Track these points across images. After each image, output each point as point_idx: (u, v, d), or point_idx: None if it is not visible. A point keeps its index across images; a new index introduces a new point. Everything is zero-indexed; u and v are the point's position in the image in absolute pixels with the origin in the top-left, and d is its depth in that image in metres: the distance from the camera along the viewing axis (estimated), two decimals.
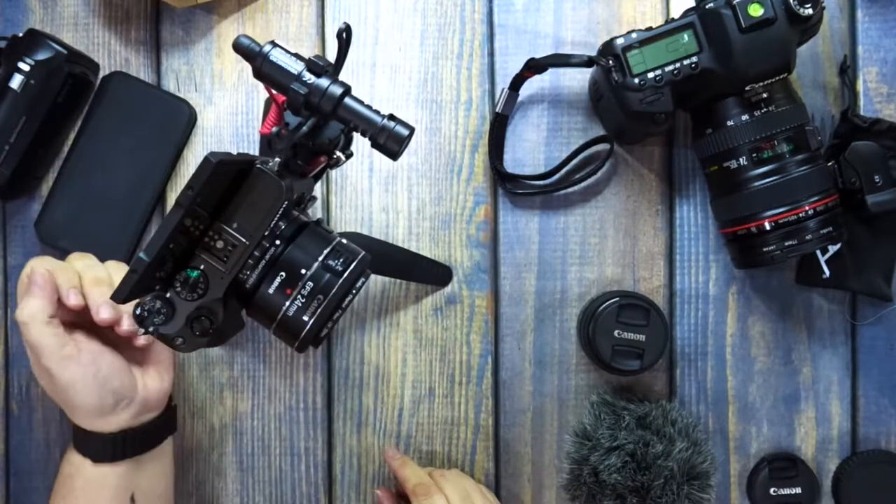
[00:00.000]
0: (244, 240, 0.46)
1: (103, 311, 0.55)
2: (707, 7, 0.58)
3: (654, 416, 0.62)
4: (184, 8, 0.68)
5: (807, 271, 0.66)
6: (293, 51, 0.48)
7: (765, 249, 0.60)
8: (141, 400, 0.58)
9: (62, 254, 0.67)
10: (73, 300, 0.54)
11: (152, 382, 0.59)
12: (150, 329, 0.46)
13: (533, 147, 0.68)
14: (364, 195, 0.68)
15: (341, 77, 0.49)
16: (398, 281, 0.68)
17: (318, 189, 0.67)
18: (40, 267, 0.55)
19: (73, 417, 0.57)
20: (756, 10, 0.56)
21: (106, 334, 0.57)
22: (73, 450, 0.58)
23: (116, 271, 0.58)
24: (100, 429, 0.57)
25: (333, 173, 0.68)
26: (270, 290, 0.48)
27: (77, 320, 0.56)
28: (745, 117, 0.59)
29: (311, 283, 0.48)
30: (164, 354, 0.61)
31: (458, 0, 0.68)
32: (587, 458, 0.61)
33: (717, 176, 0.62)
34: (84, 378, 0.54)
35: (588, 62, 0.61)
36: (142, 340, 0.58)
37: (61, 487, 0.58)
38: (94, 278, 0.56)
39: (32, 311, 0.53)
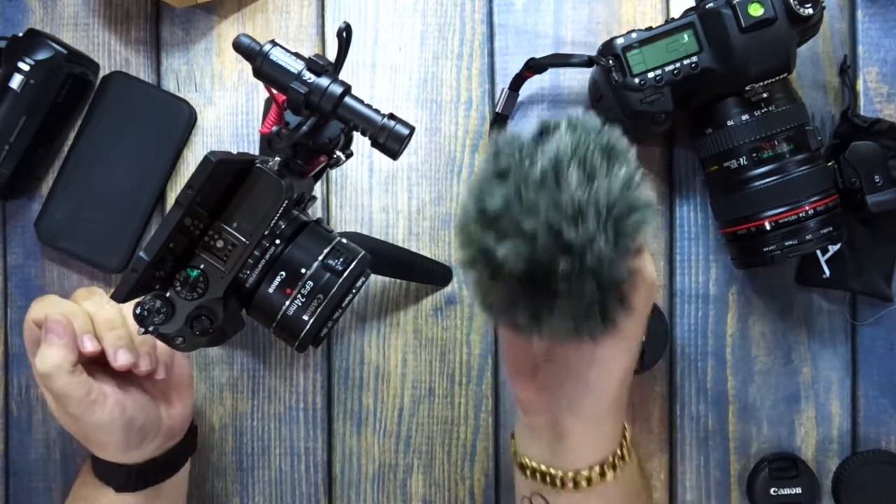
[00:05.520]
0: (244, 239, 0.46)
1: (121, 357, 0.53)
2: (707, 7, 0.58)
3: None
4: (184, 8, 0.68)
5: (807, 271, 0.66)
6: (293, 50, 0.48)
7: (765, 249, 0.60)
8: (166, 430, 0.57)
9: (62, 254, 0.67)
10: (89, 347, 0.52)
11: (175, 410, 0.58)
12: (150, 328, 0.46)
13: None
14: (364, 195, 0.68)
15: (341, 77, 0.49)
16: (398, 281, 0.68)
17: (318, 189, 0.67)
18: (55, 313, 0.52)
19: (99, 454, 0.56)
20: (756, 10, 0.56)
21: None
22: (92, 473, 0.57)
23: (126, 308, 0.55)
24: (124, 461, 0.56)
25: (333, 173, 0.68)
26: (270, 290, 0.48)
27: (93, 359, 0.54)
28: (745, 117, 0.59)
29: (310, 283, 0.48)
30: (183, 377, 0.59)
31: (458, 0, 0.68)
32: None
33: (717, 176, 0.62)
34: (111, 420, 0.53)
35: (588, 62, 0.61)
36: (161, 374, 0.56)
37: None
38: (106, 321, 0.54)
39: (56, 361, 0.51)
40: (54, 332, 0.51)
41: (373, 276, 0.67)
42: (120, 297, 0.44)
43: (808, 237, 0.59)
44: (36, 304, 0.55)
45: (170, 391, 0.59)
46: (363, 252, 0.51)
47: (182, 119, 0.67)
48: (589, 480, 0.48)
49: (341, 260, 0.49)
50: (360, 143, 0.66)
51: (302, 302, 0.48)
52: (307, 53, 0.48)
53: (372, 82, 0.68)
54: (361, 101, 0.48)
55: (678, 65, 0.59)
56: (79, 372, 0.52)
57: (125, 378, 0.56)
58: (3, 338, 0.69)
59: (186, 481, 0.62)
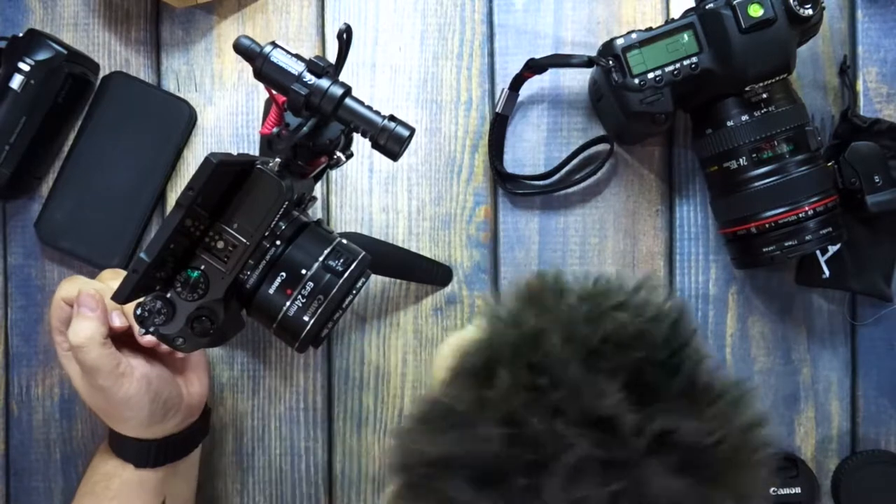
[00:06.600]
0: (244, 240, 0.46)
1: None
2: (707, 7, 0.58)
3: None
4: (184, 8, 0.68)
5: (807, 271, 0.66)
6: (293, 51, 0.48)
7: (765, 250, 0.60)
8: (186, 407, 0.58)
9: (62, 254, 0.68)
10: (118, 322, 0.54)
11: (193, 388, 0.59)
12: (151, 329, 0.47)
13: (533, 147, 0.68)
14: (364, 195, 0.68)
15: (341, 78, 0.49)
16: (398, 281, 0.68)
17: (318, 189, 0.67)
18: (88, 288, 0.54)
19: (121, 429, 0.57)
20: (756, 11, 0.57)
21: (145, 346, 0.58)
22: (111, 451, 0.58)
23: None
24: (145, 436, 0.57)
25: (333, 173, 0.68)
26: (271, 291, 0.48)
27: (119, 335, 0.56)
28: (745, 117, 0.59)
29: (311, 284, 0.48)
30: (201, 358, 0.61)
31: (458, 0, 0.68)
32: None
33: (717, 176, 0.62)
34: (138, 393, 0.54)
35: (588, 62, 0.61)
36: (181, 353, 0.58)
37: (95, 485, 0.58)
38: None
39: (89, 333, 0.52)
40: (87, 306, 0.53)
41: (373, 276, 0.67)
42: (121, 298, 0.44)
43: (807, 237, 0.59)
44: (65, 283, 0.56)
45: (188, 371, 0.60)
46: (363, 253, 0.51)
47: (182, 119, 0.67)
48: None
49: (342, 261, 0.49)
50: (360, 143, 0.66)
51: (302, 303, 0.48)
52: (307, 54, 0.48)
53: (372, 82, 0.68)
54: (362, 103, 0.48)
55: (678, 65, 0.59)
56: (109, 345, 0.53)
57: (149, 355, 0.57)
58: (4, 338, 0.69)
59: (198, 464, 0.63)
